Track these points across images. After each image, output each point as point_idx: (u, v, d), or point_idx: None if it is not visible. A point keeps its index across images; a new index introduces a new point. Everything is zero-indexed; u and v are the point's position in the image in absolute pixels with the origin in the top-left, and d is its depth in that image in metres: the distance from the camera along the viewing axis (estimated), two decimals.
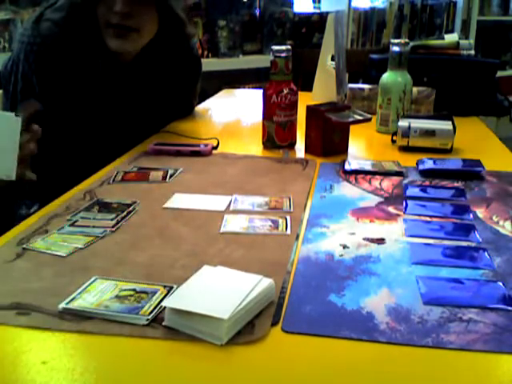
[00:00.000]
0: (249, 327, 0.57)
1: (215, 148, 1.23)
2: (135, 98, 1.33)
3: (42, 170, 1.14)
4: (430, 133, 1.22)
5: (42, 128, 1.16)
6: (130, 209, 0.88)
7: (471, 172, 1.07)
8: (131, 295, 0.62)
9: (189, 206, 0.91)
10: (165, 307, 0.58)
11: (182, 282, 0.62)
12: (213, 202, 0.92)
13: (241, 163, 1.14)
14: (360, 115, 1.21)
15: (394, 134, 1.28)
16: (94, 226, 0.82)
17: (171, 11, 1.23)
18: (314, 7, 3.46)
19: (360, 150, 1.29)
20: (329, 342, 0.56)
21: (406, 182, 1.04)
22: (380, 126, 1.42)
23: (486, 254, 0.75)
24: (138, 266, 0.70)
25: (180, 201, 0.93)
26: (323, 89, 1.71)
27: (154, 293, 0.63)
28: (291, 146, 1.25)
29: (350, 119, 1.19)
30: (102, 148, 1.21)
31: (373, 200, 0.95)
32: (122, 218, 0.85)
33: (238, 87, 2.74)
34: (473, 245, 0.78)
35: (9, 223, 0.84)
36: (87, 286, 0.64)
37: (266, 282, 0.61)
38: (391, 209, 0.91)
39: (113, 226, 0.82)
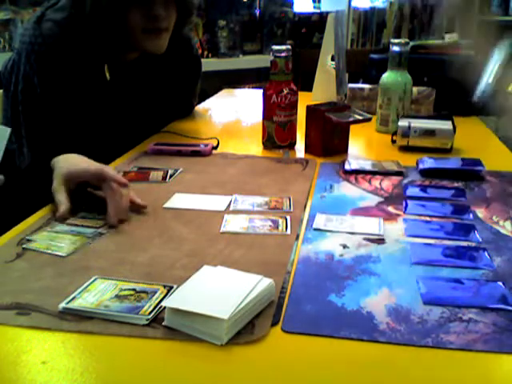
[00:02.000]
0: (249, 327, 0.57)
1: (215, 148, 1.23)
2: (135, 98, 1.33)
3: (43, 169, 1.14)
4: (430, 133, 1.22)
5: (43, 128, 1.17)
6: None
7: (471, 171, 1.08)
8: (131, 295, 0.62)
9: (189, 205, 0.91)
10: (165, 307, 0.58)
11: (182, 282, 0.62)
12: (213, 202, 0.92)
13: (241, 163, 1.14)
14: (360, 115, 1.21)
15: (394, 133, 1.28)
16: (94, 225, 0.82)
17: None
18: (314, 7, 3.46)
19: (360, 150, 1.30)
20: (329, 342, 0.56)
21: (405, 181, 1.04)
22: (380, 125, 1.42)
23: (485, 254, 0.75)
24: (138, 266, 0.70)
25: (180, 201, 0.93)
26: (323, 89, 1.71)
27: (154, 293, 0.63)
28: (291, 146, 1.25)
29: (350, 119, 1.19)
30: (102, 148, 1.21)
31: (373, 200, 0.95)
32: None
33: (238, 87, 2.74)
34: (473, 245, 0.78)
35: (9, 223, 0.84)
36: (87, 286, 0.64)
37: (266, 282, 0.61)
38: (391, 209, 0.91)
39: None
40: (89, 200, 0.90)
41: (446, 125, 1.23)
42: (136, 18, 1.15)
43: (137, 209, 0.89)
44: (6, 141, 0.87)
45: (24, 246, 0.75)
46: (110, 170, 0.88)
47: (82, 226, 0.82)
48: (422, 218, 0.87)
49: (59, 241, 0.77)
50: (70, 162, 0.90)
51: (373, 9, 3.51)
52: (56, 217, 0.84)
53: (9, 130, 0.88)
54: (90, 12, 1.14)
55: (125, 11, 1.14)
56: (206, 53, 3.02)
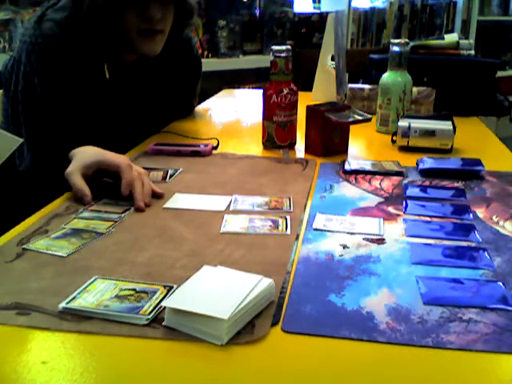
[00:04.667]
0: (249, 327, 0.57)
1: (215, 148, 1.23)
2: (136, 98, 1.33)
3: (43, 169, 1.14)
4: (430, 133, 1.22)
5: (43, 127, 1.17)
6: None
7: (471, 171, 1.08)
8: (131, 295, 0.62)
9: (189, 206, 0.91)
10: (165, 307, 0.58)
11: (182, 282, 0.62)
12: (213, 202, 0.92)
13: (241, 163, 1.14)
14: (360, 115, 1.21)
15: (394, 134, 1.28)
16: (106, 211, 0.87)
17: (185, 3, 1.24)
18: (314, 7, 3.46)
19: (360, 150, 1.30)
20: (329, 342, 0.56)
21: (405, 181, 1.04)
22: (380, 126, 1.42)
23: (485, 254, 0.75)
24: (138, 266, 0.70)
25: (180, 201, 0.93)
26: (323, 89, 1.71)
27: (154, 293, 0.63)
28: (291, 146, 1.25)
29: (350, 119, 1.19)
30: (102, 148, 1.21)
31: (373, 200, 0.95)
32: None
33: (238, 87, 2.74)
34: (473, 245, 0.78)
35: (9, 223, 0.84)
36: (87, 286, 0.64)
37: (266, 282, 0.61)
38: (391, 209, 0.91)
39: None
40: (107, 188, 0.94)
41: (446, 125, 1.23)
42: (131, 18, 1.15)
43: (158, 196, 0.94)
44: (12, 150, 0.88)
45: (24, 246, 0.75)
46: (128, 169, 0.93)
47: (106, 211, 0.88)
48: (422, 218, 0.87)
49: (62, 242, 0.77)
50: (91, 152, 0.98)
51: (373, 9, 3.51)
52: (84, 203, 0.90)
53: (20, 140, 0.88)
54: (87, 11, 1.14)
55: (121, 11, 1.14)
56: (206, 53, 3.02)
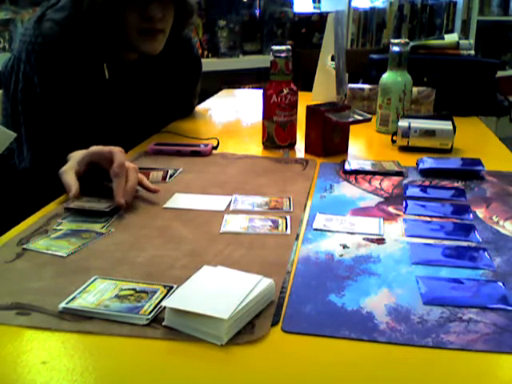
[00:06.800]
0: (249, 327, 0.57)
1: (215, 148, 1.23)
2: (136, 98, 1.33)
3: (43, 168, 1.14)
4: (430, 133, 1.22)
5: (42, 127, 1.17)
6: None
7: (471, 171, 1.08)
8: (131, 295, 0.62)
9: (189, 205, 0.91)
10: (165, 307, 0.58)
11: (182, 282, 0.62)
12: (213, 202, 0.92)
13: (241, 163, 1.14)
14: (360, 115, 1.21)
15: (394, 133, 1.28)
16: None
17: (185, 2, 1.25)
18: (314, 7, 3.46)
19: (360, 150, 1.30)
20: (329, 342, 0.56)
21: (405, 181, 1.04)
22: (380, 126, 1.42)
23: (485, 254, 0.75)
24: (138, 266, 0.70)
25: (180, 201, 0.93)
26: (323, 89, 1.71)
27: (154, 292, 0.63)
28: (291, 146, 1.25)
29: (350, 119, 1.19)
30: None
31: (373, 200, 0.95)
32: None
33: (238, 87, 2.74)
34: (473, 245, 0.78)
35: (9, 223, 0.84)
36: (87, 286, 0.64)
37: (266, 282, 0.61)
38: (391, 209, 0.91)
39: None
40: (96, 186, 0.93)
41: (446, 125, 1.23)
42: (132, 18, 1.15)
43: (151, 192, 0.93)
44: (7, 144, 0.88)
45: (24, 246, 0.75)
46: (121, 153, 0.91)
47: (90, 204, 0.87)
48: (422, 218, 0.87)
49: (59, 241, 0.77)
50: (84, 150, 0.95)
51: (373, 9, 3.51)
52: (69, 197, 0.88)
53: (14, 135, 0.88)
54: (87, 10, 1.14)
55: (121, 11, 1.14)
56: (206, 53, 3.02)
